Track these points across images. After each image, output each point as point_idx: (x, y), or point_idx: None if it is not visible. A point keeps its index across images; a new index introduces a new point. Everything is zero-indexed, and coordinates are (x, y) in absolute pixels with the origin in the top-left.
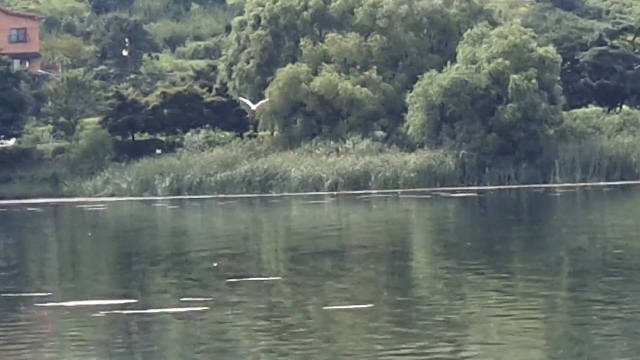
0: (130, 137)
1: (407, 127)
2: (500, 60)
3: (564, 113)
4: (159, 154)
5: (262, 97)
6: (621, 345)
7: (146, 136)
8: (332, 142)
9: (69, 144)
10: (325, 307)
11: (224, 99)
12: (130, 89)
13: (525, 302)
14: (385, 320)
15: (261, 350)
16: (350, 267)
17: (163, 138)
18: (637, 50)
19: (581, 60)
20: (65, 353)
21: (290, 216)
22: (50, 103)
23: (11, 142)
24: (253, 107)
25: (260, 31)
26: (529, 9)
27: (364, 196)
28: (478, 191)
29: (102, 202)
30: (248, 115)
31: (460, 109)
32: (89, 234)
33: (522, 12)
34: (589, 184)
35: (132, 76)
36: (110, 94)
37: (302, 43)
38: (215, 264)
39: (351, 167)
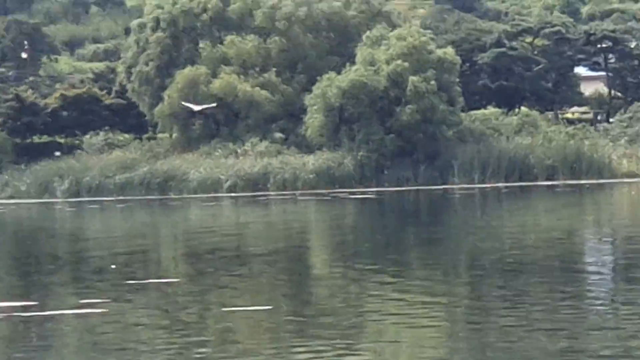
0: (29, 140)
1: (306, 129)
2: (399, 62)
3: (463, 114)
4: (58, 156)
5: (161, 99)
6: (520, 346)
7: (45, 138)
8: (231, 144)
9: None
10: (224, 308)
11: (123, 102)
12: (30, 92)
13: (423, 303)
14: (284, 321)
15: (161, 351)
16: (249, 268)
17: (62, 140)
18: (535, 52)
19: (480, 61)
20: None
21: (189, 218)
22: None
23: None
24: (196, 109)
25: (159, 33)
26: (427, 10)
27: (263, 198)
28: (377, 192)
29: (1, 204)
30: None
31: (359, 111)
32: None
33: (421, 14)
34: (487, 185)
35: (31, 79)
36: (9, 96)
37: (201, 45)
38: (114, 266)
39: (250, 168)
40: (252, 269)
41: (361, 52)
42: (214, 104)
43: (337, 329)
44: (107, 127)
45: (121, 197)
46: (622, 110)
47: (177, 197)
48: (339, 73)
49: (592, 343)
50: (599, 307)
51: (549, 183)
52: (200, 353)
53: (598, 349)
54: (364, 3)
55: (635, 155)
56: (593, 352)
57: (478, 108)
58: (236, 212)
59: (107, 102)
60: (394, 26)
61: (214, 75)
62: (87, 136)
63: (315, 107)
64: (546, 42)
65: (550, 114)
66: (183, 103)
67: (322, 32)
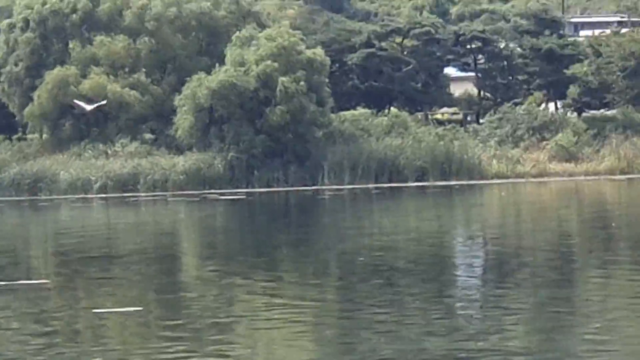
0: None
1: (176, 130)
2: (268, 62)
3: (333, 115)
4: None
5: (31, 99)
6: (389, 345)
7: None
8: (101, 145)
9: None
10: (94, 310)
11: None
12: None
13: (292, 304)
14: (154, 322)
15: (30, 354)
16: (119, 270)
17: None
18: (405, 53)
19: (349, 62)
20: None
21: (59, 219)
22: None
23: None
24: (88, 108)
25: (29, 34)
26: (297, 11)
27: (133, 199)
28: (247, 193)
29: None
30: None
31: (229, 112)
32: None
33: (290, 15)
34: (357, 186)
35: None
36: None
37: (70, 46)
38: None
39: (120, 169)
40: (123, 270)
41: (231, 53)
42: (104, 102)
43: (206, 330)
44: None
45: None
46: (491, 111)
47: (47, 198)
48: (208, 73)
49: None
50: (458, 308)
51: (419, 184)
52: (70, 355)
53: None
54: (234, 3)
55: (505, 156)
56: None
57: (348, 109)
58: (106, 213)
59: None
60: (263, 27)
61: (84, 75)
62: None
63: (185, 108)
64: (416, 43)
65: (420, 115)
66: (75, 102)
67: (192, 33)
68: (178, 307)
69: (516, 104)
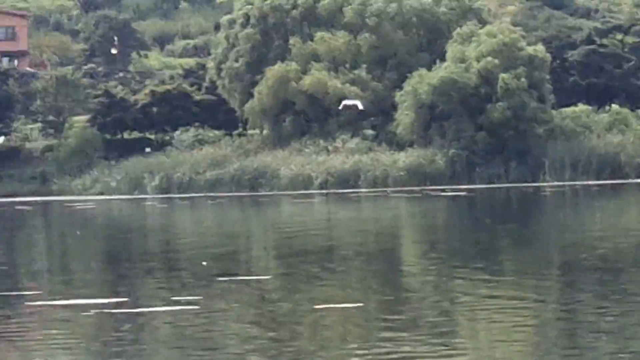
0: (119, 136)
1: (397, 126)
2: (489, 59)
3: (553, 112)
4: (148, 153)
5: (252, 95)
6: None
7: (135, 134)
8: (321, 141)
9: (58, 142)
10: (315, 306)
11: (213, 98)
12: (119, 87)
13: (514, 303)
14: (374, 318)
15: (251, 349)
16: (340, 265)
17: (152, 136)
18: (626, 49)
19: (570, 59)
20: (55, 352)
21: (280, 215)
22: (39, 101)
23: (0, 140)
24: (360, 106)
25: (249, 30)
26: (518, 7)
27: (354, 195)
28: (467, 190)
29: (91, 200)
30: (345, 111)
31: (450, 108)
32: (78, 233)
33: (511, 11)
34: (578, 183)
35: (121, 74)
36: (99, 92)
37: (291, 42)
38: (204, 263)
39: (341, 165)
40: (343, 266)
41: (451, 49)
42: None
43: (426, 327)
44: (197, 124)
45: (211, 194)
46: None
47: (267, 193)
48: (429, 70)
49: None
50: None
51: None
52: (290, 350)
53: None
54: (454, 0)
55: None
56: None
57: (568, 105)
58: (327, 209)
59: (197, 98)
60: (484, 23)
61: (304, 71)
62: (177, 132)
63: (405, 104)
64: (637, 40)
65: None
66: (345, 102)
67: (412, 29)
68: (398, 304)
69: None
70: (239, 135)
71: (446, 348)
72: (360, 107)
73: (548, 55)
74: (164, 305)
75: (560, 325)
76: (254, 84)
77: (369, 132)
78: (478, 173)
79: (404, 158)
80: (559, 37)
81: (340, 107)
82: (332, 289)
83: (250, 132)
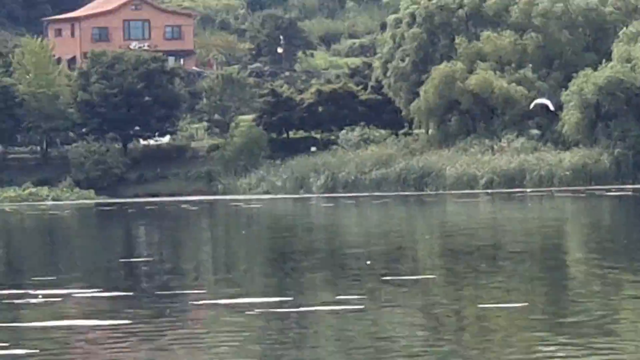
0: (285, 135)
1: (562, 126)
2: None
3: None
4: (313, 152)
5: (417, 94)
6: None
7: (301, 134)
8: (487, 140)
9: (223, 141)
10: (479, 305)
11: (379, 97)
12: (285, 87)
13: None
14: (539, 318)
15: (416, 348)
16: (505, 265)
17: (318, 135)
18: None
19: None
20: (219, 350)
21: (445, 214)
22: (205, 100)
23: (166, 139)
24: (552, 107)
25: (415, 29)
26: None
27: (519, 194)
28: (633, 190)
29: (257, 199)
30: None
31: (615, 108)
32: (243, 232)
33: None
34: None
35: (287, 74)
36: (265, 91)
37: (457, 41)
38: (369, 262)
39: (506, 165)
40: (508, 265)
41: (617, 49)
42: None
43: (590, 328)
44: (362, 123)
45: (377, 193)
46: None
47: (432, 193)
48: (595, 70)
49: None
50: None
51: None
52: (454, 349)
53: None
54: (620, 0)
55: None
56: None
57: None
58: (492, 209)
59: (363, 97)
60: None
61: (470, 71)
62: (343, 131)
63: (571, 104)
64: None
65: None
66: (538, 101)
67: (579, 29)
68: (564, 303)
69: None
70: (405, 134)
71: (612, 351)
72: (552, 107)
73: None
74: (329, 304)
75: None
76: (420, 83)
77: (535, 131)
78: None
79: (569, 158)
80: None
81: (531, 106)
82: (496, 288)
83: (415, 131)
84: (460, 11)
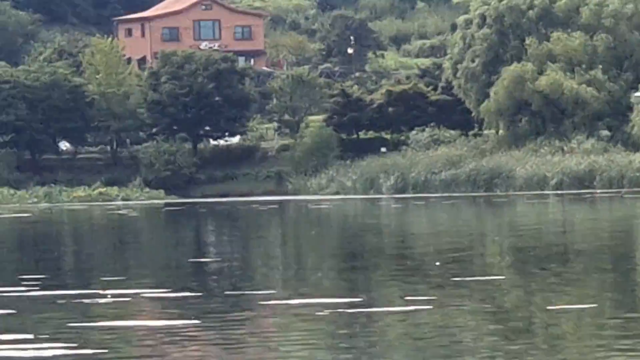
0: (355, 135)
1: (632, 127)
2: None
3: None
4: (383, 152)
5: (487, 95)
6: None
7: (371, 134)
8: (557, 142)
9: (293, 141)
10: (549, 307)
11: (449, 98)
12: (355, 87)
13: None
14: (608, 320)
15: (485, 349)
16: (575, 266)
17: (388, 136)
18: None
19: None
20: (289, 351)
21: (515, 215)
22: (275, 101)
23: (236, 139)
24: None
25: (485, 30)
26: None
27: (589, 196)
28: None
29: (327, 200)
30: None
31: None
32: (313, 232)
33: None
34: None
35: (357, 74)
36: (335, 91)
37: (527, 42)
38: (438, 263)
39: (576, 166)
40: (578, 266)
41: None
42: None
43: None
44: (432, 123)
45: (446, 194)
46: None
47: (502, 194)
48: None
49: None
50: None
51: None
52: (523, 350)
53: None
54: None
55: None
56: None
57: None
58: (561, 210)
59: (433, 98)
60: None
61: (540, 72)
62: (413, 132)
63: None
64: None
65: None
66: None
67: None
68: (634, 305)
69: None
70: (475, 135)
71: None
72: None
73: None
74: (398, 304)
75: None
76: (490, 84)
77: (605, 132)
78: None
79: None
80: None
81: (631, 100)
82: (565, 289)
83: (485, 132)
84: (531, 12)
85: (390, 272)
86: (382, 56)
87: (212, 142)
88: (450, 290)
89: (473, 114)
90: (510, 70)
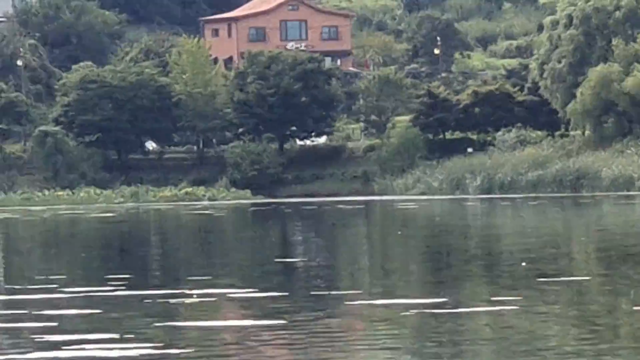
0: (441, 136)
1: None
2: None
3: None
4: (470, 153)
5: (574, 96)
6: None
7: (457, 135)
8: None
9: (380, 142)
10: (635, 307)
11: (535, 99)
12: (442, 88)
13: None
14: None
15: (570, 347)
16: None
17: (474, 137)
18: None
19: None
20: (375, 351)
21: (601, 216)
22: (361, 101)
23: (322, 139)
24: None
25: (572, 30)
26: None
27: None
28: None
29: (413, 200)
30: None
31: None
32: (399, 232)
33: None
34: None
35: (444, 75)
36: (422, 92)
37: (613, 43)
38: (524, 263)
39: None
40: None
41: None
42: None
43: None
44: (519, 124)
45: (533, 195)
46: None
47: (589, 194)
48: None
49: None
50: None
51: None
52: (607, 348)
53: None
54: None
55: None
56: None
57: None
58: None
59: (520, 98)
60: None
61: (627, 72)
62: (499, 133)
63: None
64: None
65: None
66: None
67: None
68: None
69: None
70: (561, 136)
71: None
72: None
73: None
74: (484, 305)
75: None
76: (576, 84)
77: None
78: None
79: None
80: None
81: None
82: None
83: (572, 133)
84: (617, 13)
85: (475, 272)
86: (469, 57)
87: (299, 142)
88: (536, 290)
89: (559, 115)
90: (596, 71)
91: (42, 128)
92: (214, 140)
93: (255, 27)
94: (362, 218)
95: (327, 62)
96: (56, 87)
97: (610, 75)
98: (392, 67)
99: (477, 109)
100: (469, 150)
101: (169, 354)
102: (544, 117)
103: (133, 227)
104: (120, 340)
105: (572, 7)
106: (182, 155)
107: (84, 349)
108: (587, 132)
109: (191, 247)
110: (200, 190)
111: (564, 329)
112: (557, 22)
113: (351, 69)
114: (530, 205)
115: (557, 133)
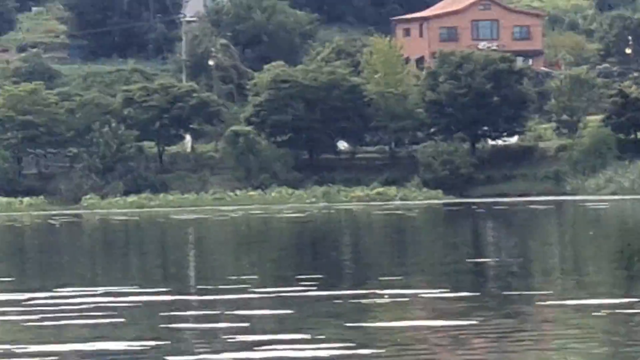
0: (633, 135)
1: None
2: None
3: None
4: None
5: None
6: None
7: None
8: None
9: (571, 142)
10: None
11: None
12: (634, 87)
13: None
14: None
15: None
16: None
17: None
18: None
19: None
20: (567, 352)
21: None
22: (553, 101)
23: (514, 139)
24: None
25: None
26: None
27: None
28: None
29: (604, 200)
30: None
31: None
32: (591, 232)
33: None
34: None
35: (636, 74)
36: (613, 91)
37: None
38: None
39: None
40: None
41: None
42: None
43: None
44: None
45: None
46: None
47: None
48: None
49: None
50: None
51: None
52: None
53: None
54: None
55: None
56: None
57: None
58: None
59: None
60: None
61: None
62: None
63: None
64: None
65: None
66: None
67: None
68: None
69: None
70: None
71: None
72: None
73: None
74: None
75: None
76: None
77: None
78: None
79: None
80: None
81: None
82: None
83: None
84: None
85: None
86: None
87: (491, 142)
88: None
89: None
90: None
91: (234, 128)
92: (405, 140)
93: (446, 27)
94: (553, 218)
95: (519, 62)
96: (247, 86)
97: None
98: (584, 67)
99: None
100: None
101: (360, 354)
102: None
103: (324, 227)
104: (312, 341)
105: None
106: (374, 155)
107: (275, 349)
108: None
109: (382, 247)
110: (392, 190)
111: None
112: None
113: (542, 68)
114: None
115: None
